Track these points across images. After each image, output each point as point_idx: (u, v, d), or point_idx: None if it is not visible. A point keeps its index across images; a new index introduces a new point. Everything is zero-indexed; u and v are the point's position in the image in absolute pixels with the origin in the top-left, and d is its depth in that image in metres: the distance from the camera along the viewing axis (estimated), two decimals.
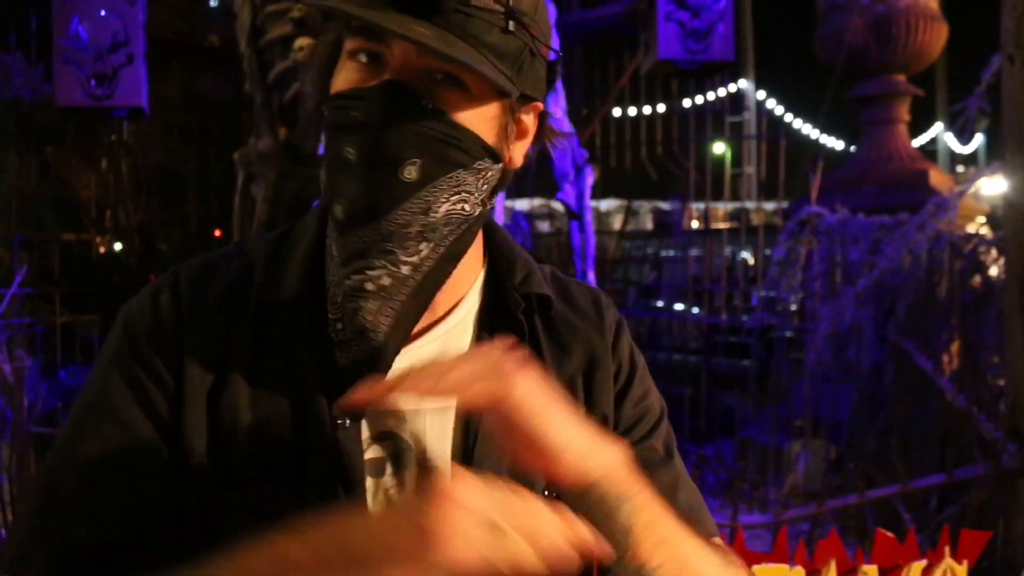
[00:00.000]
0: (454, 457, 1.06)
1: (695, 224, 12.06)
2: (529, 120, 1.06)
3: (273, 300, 1.04)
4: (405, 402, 0.98)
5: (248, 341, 1.03)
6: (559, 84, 6.45)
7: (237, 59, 7.55)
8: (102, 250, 8.79)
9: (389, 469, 1.05)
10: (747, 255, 11.97)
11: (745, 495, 6.88)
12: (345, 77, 0.99)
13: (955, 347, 5.82)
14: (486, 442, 1.05)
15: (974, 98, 5.20)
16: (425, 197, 0.97)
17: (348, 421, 1.01)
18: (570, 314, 1.18)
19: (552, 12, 7.13)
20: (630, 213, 10.99)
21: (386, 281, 0.99)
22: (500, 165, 1.03)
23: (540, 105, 1.07)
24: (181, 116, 8.33)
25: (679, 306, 10.71)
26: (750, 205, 16.45)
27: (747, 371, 8.14)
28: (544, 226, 10.38)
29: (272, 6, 5.79)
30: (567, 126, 6.51)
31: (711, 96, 9.56)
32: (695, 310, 9.88)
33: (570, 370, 1.14)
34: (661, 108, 9.54)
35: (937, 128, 31.09)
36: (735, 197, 10.80)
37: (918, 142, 27.96)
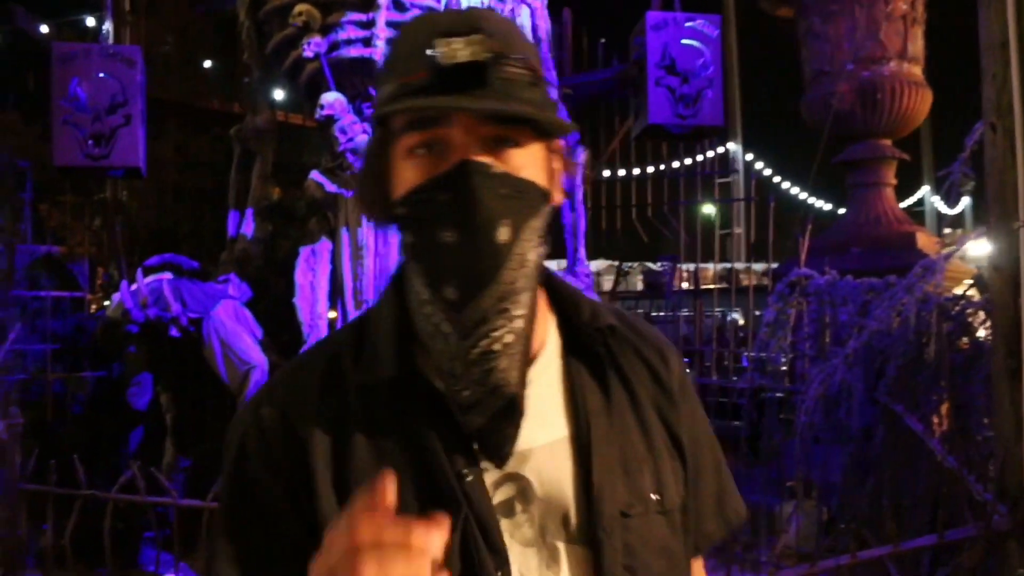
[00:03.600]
0: (575, 486, 1.16)
1: (685, 285, 12.12)
2: (558, 157, 1.18)
3: (372, 382, 1.13)
4: (516, 444, 1.13)
5: (358, 423, 1.12)
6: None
7: (232, 119, 7.65)
8: (94, 308, 8.80)
9: (519, 507, 1.14)
10: (737, 316, 12.03)
11: (738, 556, 6.86)
12: (414, 173, 1.09)
13: (945, 409, 5.85)
14: (603, 476, 1.16)
15: (958, 164, 5.30)
16: (518, 252, 1.08)
17: (470, 474, 1.11)
18: (637, 342, 1.30)
19: (552, 78, 7.20)
20: (621, 274, 11.05)
21: (509, 338, 1.09)
22: (550, 203, 1.15)
23: (561, 143, 1.18)
24: (175, 176, 8.39)
25: None
26: (739, 266, 16.55)
27: (738, 432, 8.14)
28: None
29: None
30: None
31: (700, 158, 9.70)
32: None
33: (645, 391, 1.27)
34: (651, 170, 9.67)
35: (924, 190, 31.39)
36: (724, 258, 10.88)
37: (905, 204, 28.15)
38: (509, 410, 1.10)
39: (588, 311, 1.24)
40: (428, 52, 1.04)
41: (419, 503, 1.08)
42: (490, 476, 1.13)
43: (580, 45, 9.04)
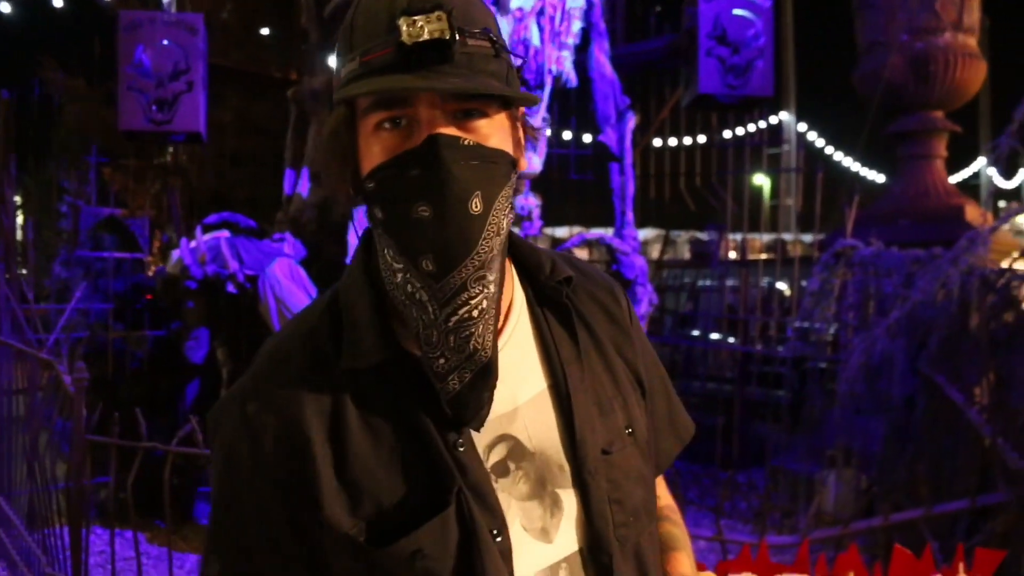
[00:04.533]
0: (561, 435, 1.24)
1: (732, 255, 12.14)
2: (522, 126, 1.22)
3: (359, 367, 1.17)
4: (502, 406, 1.19)
5: (350, 408, 1.15)
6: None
7: (289, 86, 7.79)
8: (152, 269, 9.04)
9: (512, 465, 1.21)
10: (784, 286, 12.03)
11: (776, 522, 6.98)
12: (381, 148, 1.12)
13: (987, 381, 5.87)
14: (584, 422, 1.24)
15: (1006, 136, 5.32)
16: (492, 221, 1.11)
17: (461, 441, 1.15)
18: (590, 285, 1.38)
19: (605, 47, 7.23)
20: (668, 243, 11.10)
21: (484, 304, 1.13)
22: (518, 170, 1.18)
23: (522, 110, 1.22)
24: (233, 141, 8.57)
25: (715, 335, 10.79)
26: (788, 237, 16.47)
27: (780, 400, 8.22)
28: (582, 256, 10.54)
29: None
30: (609, 71, 6.80)
31: (751, 128, 9.72)
32: (731, 340, 9.95)
33: (604, 332, 1.35)
34: (701, 139, 9.70)
35: (980, 163, 30.83)
36: (774, 228, 10.87)
37: (960, 176, 27.68)
38: (484, 374, 1.14)
39: (548, 266, 1.30)
40: (391, 31, 1.07)
41: (416, 480, 1.13)
42: (482, 440, 1.18)
43: (633, 14, 9.09)
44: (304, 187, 7.02)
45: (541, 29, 5.90)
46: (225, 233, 6.59)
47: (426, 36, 1.06)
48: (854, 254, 7.03)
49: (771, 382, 8.70)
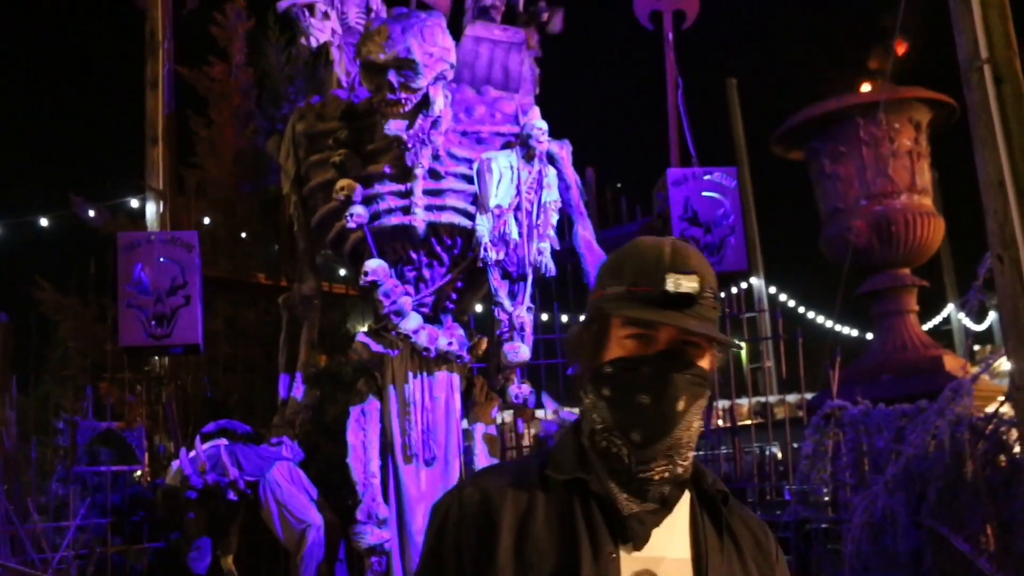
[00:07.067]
0: None
1: (720, 423, 12.16)
2: (715, 360, 1.65)
3: (555, 479, 1.59)
4: (653, 551, 1.56)
5: (540, 504, 1.57)
6: None
7: (277, 292, 7.97)
8: (147, 481, 8.97)
9: None
10: (775, 450, 12.04)
11: None
12: (625, 349, 1.57)
13: (991, 527, 5.91)
14: None
15: (973, 292, 5.60)
16: (687, 419, 1.56)
17: (615, 556, 1.52)
18: (746, 515, 1.75)
19: (587, 225, 7.30)
20: None
21: (667, 475, 1.57)
22: (708, 388, 1.61)
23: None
24: (226, 348, 8.66)
25: None
26: (772, 399, 16.53)
27: (787, 565, 8.12)
28: None
29: (314, 156, 6.14)
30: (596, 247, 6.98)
31: (723, 295, 9.94)
32: None
33: (749, 551, 1.68)
34: None
35: (949, 308, 31.22)
36: (756, 391, 11.02)
37: (933, 322, 28.10)
38: (659, 507, 1.57)
39: (711, 477, 1.68)
40: (658, 278, 1.53)
41: (568, 570, 1.50)
42: (630, 567, 1.54)
43: (605, 201, 9.43)
44: (299, 390, 7.10)
45: (519, 224, 6.09)
46: (223, 441, 6.63)
47: (683, 290, 1.52)
48: (843, 414, 7.16)
49: None
